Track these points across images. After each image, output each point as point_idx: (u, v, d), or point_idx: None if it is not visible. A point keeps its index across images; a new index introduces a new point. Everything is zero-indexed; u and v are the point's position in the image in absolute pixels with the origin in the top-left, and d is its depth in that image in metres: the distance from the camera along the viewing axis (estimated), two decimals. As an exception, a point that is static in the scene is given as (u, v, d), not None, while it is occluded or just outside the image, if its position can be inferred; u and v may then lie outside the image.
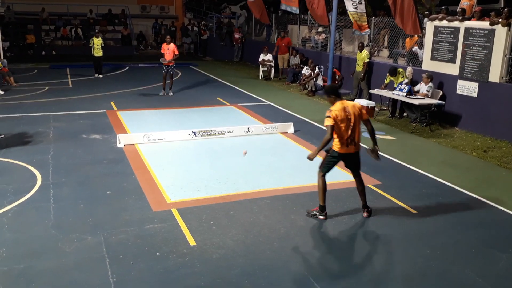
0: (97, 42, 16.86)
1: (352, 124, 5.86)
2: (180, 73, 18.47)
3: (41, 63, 20.61)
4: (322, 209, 6.14)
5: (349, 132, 5.85)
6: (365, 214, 6.25)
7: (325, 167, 6.04)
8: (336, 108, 5.81)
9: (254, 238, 5.60)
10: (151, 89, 15.30)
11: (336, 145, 5.92)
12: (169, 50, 13.92)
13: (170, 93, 14.41)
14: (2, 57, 16.43)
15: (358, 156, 6.10)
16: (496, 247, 5.57)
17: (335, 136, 5.87)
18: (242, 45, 23.09)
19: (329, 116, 5.76)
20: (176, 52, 14.00)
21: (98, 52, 16.97)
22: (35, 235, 5.52)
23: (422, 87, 11.33)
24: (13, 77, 15.21)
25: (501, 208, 6.67)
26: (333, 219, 6.16)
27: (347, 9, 14.42)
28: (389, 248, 5.51)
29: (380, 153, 6.31)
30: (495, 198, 7.00)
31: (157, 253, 5.17)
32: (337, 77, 15.01)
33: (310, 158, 5.92)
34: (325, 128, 5.84)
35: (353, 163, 6.13)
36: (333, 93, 6.00)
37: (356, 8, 13.97)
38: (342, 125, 5.80)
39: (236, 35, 22.91)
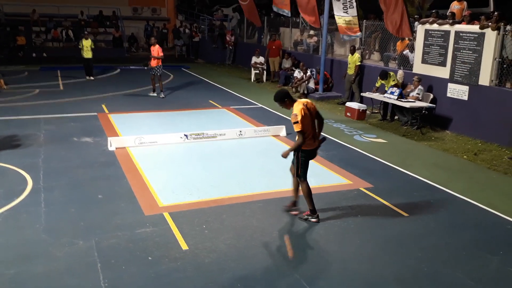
0: (86, 43, 16.78)
1: (313, 119, 5.95)
2: (172, 76, 18.43)
3: (32, 65, 20.44)
4: (313, 212, 6.17)
5: (312, 127, 5.94)
6: (296, 213, 6.31)
7: (302, 173, 6.05)
8: (299, 110, 5.79)
9: (246, 242, 5.60)
10: (142, 91, 15.24)
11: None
12: (153, 52, 13.97)
13: (162, 95, 14.39)
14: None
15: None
16: (486, 249, 5.62)
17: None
18: (234, 47, 23.10)
19: (297, 122, 5.73)
20: (161, 54, 14.00)
21: (87, 54, 16.89)
22: (26, 239, 5.48)
23: (412, 90, 11.41)
24: (3, 79, 15.03)
25: (491, 211, 6.74)
26: (325, 222, 6.18)
27: (335, 13, 14.42)
28: (380, 250, 5.53)
29: (328, 136, 6.22)
30: (486, 200, 7.07)
31: (149, 258, 5.15)
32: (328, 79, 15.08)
33: (284, 156, 5.93)
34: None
35: (311, 158, 6.14)
36: (286, 97, 5.94)
37: (346, 12, 14.01)
38: (307, 123, 5.85)
39: (228, 38, 22.91)
